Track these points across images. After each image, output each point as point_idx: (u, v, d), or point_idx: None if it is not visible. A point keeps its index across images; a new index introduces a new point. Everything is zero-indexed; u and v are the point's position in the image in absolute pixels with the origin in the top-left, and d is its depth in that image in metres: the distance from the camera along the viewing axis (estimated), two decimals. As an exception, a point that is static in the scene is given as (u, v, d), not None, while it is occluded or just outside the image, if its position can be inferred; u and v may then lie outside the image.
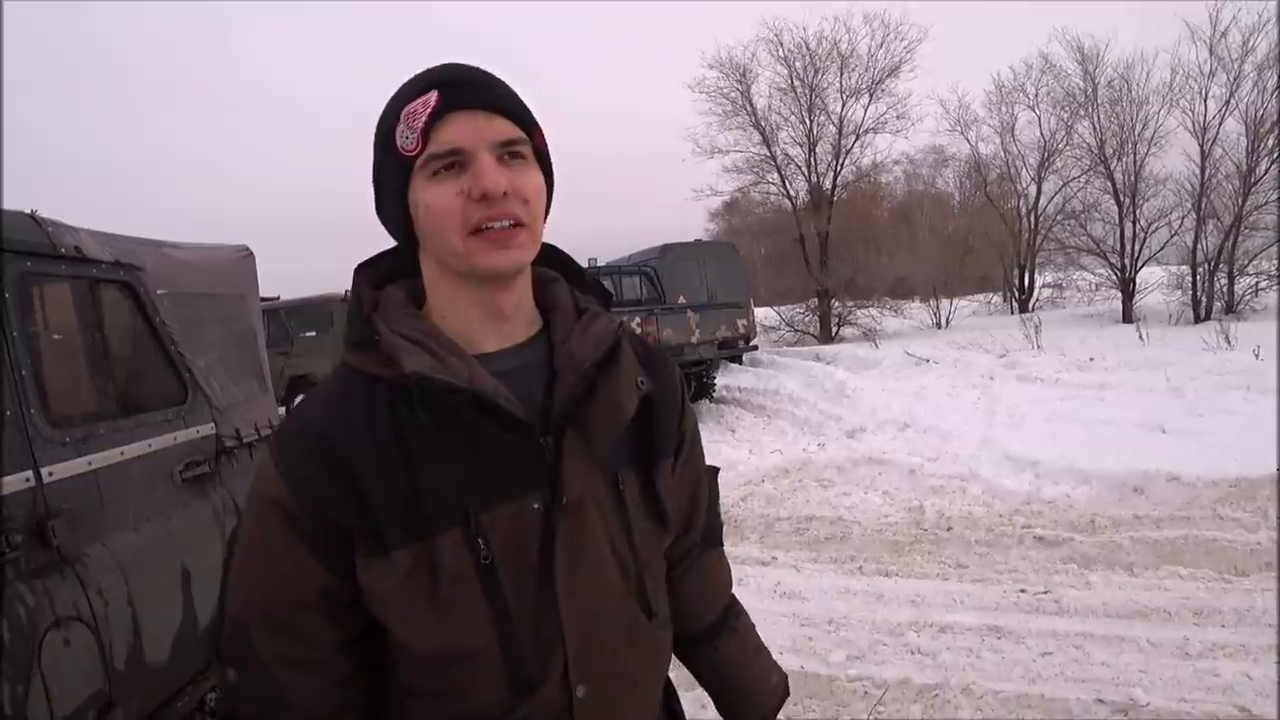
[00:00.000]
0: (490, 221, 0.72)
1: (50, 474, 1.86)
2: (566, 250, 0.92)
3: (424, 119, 0.72)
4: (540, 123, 0.80)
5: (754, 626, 1.09)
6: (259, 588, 0.75)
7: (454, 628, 0.73)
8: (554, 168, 0.83)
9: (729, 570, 1.09)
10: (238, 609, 0.76)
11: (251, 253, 3.31)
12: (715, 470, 1.05)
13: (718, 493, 1.07)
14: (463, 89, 0.74)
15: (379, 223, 0.83)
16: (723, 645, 1.03)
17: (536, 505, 0.76)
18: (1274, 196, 14.01)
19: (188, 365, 2.56)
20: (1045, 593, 3.77)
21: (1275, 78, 13.66)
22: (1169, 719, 2.62)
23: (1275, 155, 13.92)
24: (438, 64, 0.77)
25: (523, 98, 0.79)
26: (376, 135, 0.77)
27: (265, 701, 0.75)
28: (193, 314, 2.69)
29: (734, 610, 1.06)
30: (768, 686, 1.05)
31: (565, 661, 0.76)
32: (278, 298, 10.43)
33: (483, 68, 0.78)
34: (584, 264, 1.05)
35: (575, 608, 0.76)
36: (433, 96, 0.73)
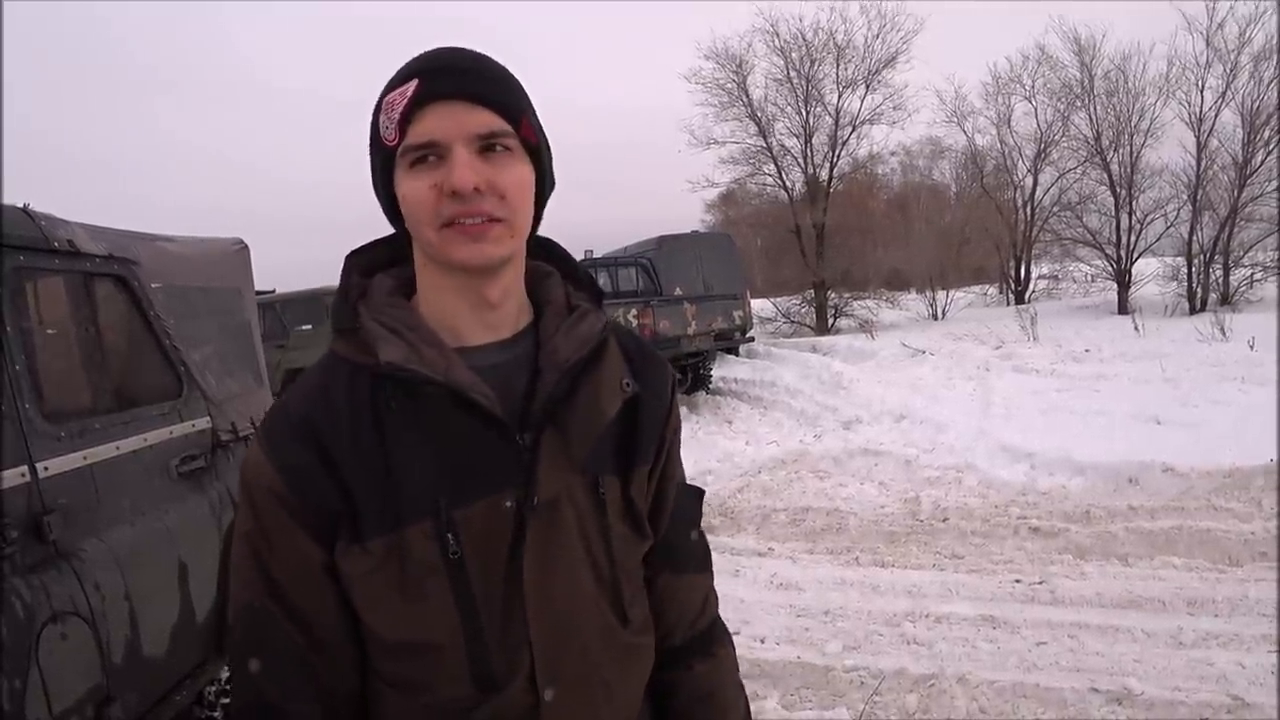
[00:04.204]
0: (461, 218, 0.71)
1: (45, 469, 1.85)
2: (561, 243, 0.90)
3: (400, 109, 0.71)
4: (533, 110, 0.77)
5: (725, 680, 0.96)
6: (268, 573, 0.74)
7: (419, 620, 0.73)
8: (549, 157, 0.80)
9: (701, 604, 0.96)
10: (252, 597, 0.75)
11: (246, 246, 3.29)
12: (699, 492, 0.98)
13: (698, 516, 0.97)
14: (443, 77, 0.71)
15: (377, 210, 0.82)
16: (672, 679, 0.93)
17: (509, 503, 0.74)
18: (1270, 188, 14.05)
19: (183, 359, 2.55)
20: (1040, 583, 3.79)
21: (1272, 69, 13.67)
22: (1163, 708, 2.64)
23: (1271, 147, 13.95)
24: (429, 49, 0.75)
25: (517, 82, 0.76)
26: (371, 122, 0.76)
27: (292, 684, 0.74)
28: (187, 308, 2.68)
29: (701, 650, 0.95)
30: None
31: (532, 663, 0.75)
32: (273, 291, 10.39)
33: (473, 52, 0.75)
34: (579, 256, 1.01)
35: (544, 609, 0.76)
36: (411, 86, 0.71)
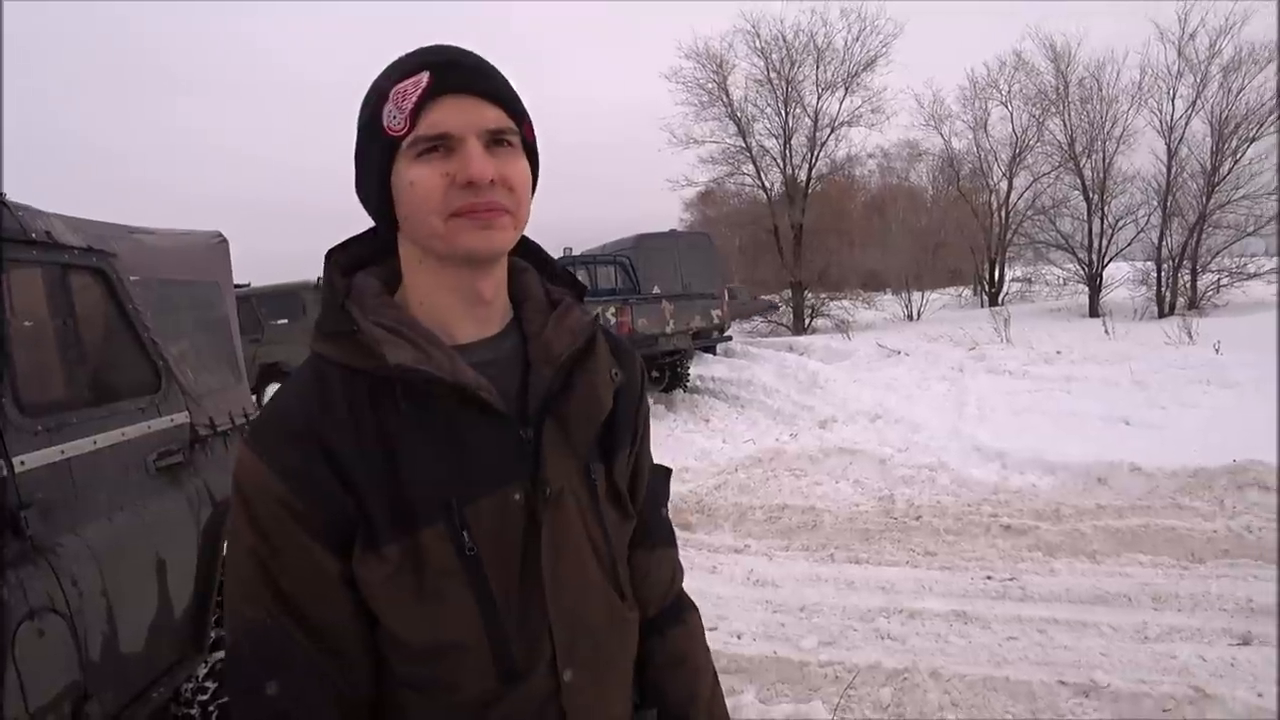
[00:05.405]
0: (473, 207, 0.71)
1: (22, 463, 1.83)
2: (540, 240, 0.91)
3: (413, 99, 0.71)
4: (529, 114, 0.78)
5: (696, 645, 1.00)
6: (278, 588, 0.71)
7: (441, 621, 0.73)
8: (539, 160, 0.82)
9: (670, 575, 1.00)
10: (261, 615, 0.71)
11: (225, 239, 3.26)
12: (668, 471, 1.02)
13: (667, 494, 1.02)
14: (455, 72, 0.72)
15: (357, 205, 0.81)
16: (648, 647, 0.96)
17: (518, 497, 0.76)
18: (1236, 195, 14.41)
19: (161, 353, 2.53)
20: (1011, 579, 3.86)
21: (1240, 79, 14.02)
22: (1128, 700, 2.71)
23: (1238, 156, 14.31)
24: (430, 44, 0.75)
25: (514, 87, 0.77)
26: (362, 112, 0.75)
27: (312, 700, 0.71)
28: (166, 301, 2.66)
29: (674, 619, 0.99)
30: (681, 704, 0.96)
31: (552, 649, 0.77)
32: (249, 284, 10.29)
33: (476, 52, 0.76)
34: (558, 254, 1.02)
35: (560, 595, 0.78)
36: (424, 77, 0.71)
